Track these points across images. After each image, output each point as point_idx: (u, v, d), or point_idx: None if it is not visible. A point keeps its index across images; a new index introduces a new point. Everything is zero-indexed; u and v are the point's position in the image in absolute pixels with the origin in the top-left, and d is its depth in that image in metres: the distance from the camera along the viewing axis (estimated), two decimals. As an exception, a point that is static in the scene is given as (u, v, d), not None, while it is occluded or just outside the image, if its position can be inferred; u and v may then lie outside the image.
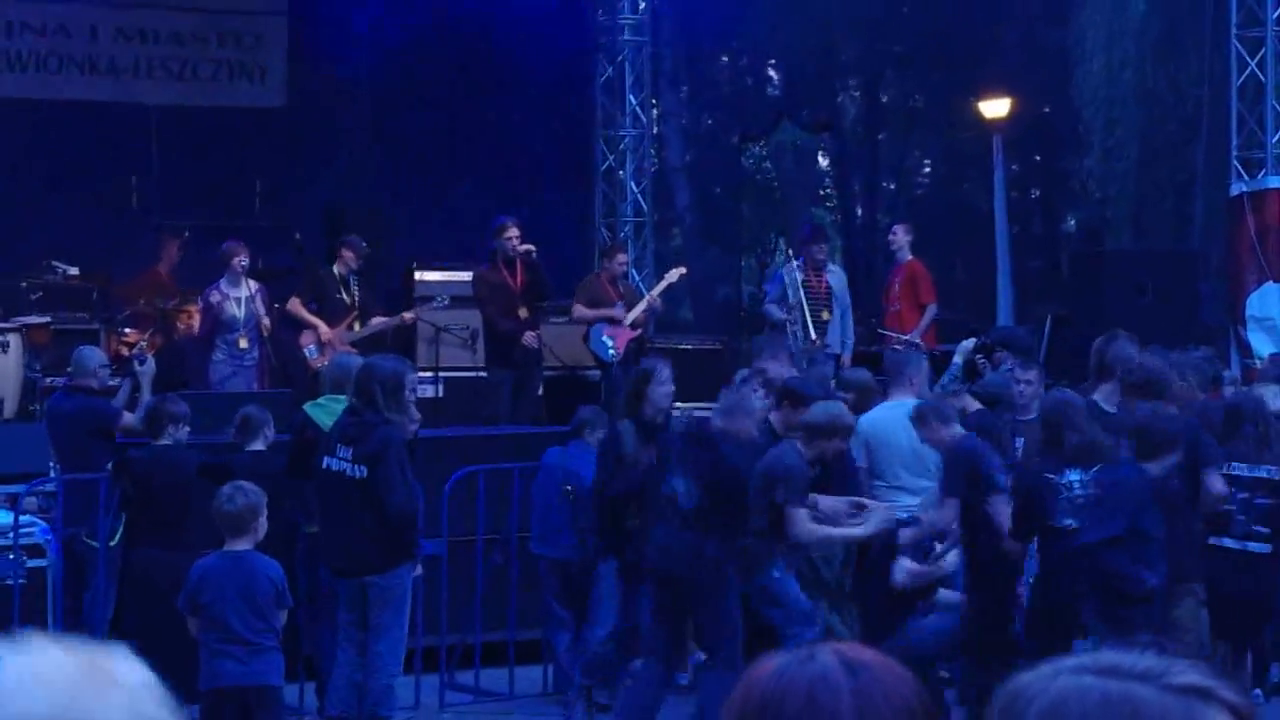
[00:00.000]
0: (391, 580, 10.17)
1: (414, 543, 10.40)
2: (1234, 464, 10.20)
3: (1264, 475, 10.21)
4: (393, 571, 10.16)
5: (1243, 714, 2.04)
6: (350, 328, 16.34)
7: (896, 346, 15.80)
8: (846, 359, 16.14)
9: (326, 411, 10.89)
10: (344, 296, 16.46)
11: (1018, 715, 2.05)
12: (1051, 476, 9.41)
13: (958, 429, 10.37)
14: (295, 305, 16.47)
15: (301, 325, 16.36)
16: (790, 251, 17.02)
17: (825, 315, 16.46)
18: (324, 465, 10.17)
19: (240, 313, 16.05)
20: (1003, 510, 9.72)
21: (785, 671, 2.23)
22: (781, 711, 2.20)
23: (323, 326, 16.26)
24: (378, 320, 16.54)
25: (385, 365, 10.57)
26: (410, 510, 10.35)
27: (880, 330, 17.03)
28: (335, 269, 16.55)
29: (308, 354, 16.18)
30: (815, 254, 16.78)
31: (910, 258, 17.37)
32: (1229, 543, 10.19)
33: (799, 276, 16.50)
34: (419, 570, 10.71)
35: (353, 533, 10.09)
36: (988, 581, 10.10)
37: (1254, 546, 10.21)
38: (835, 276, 16.93)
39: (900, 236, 17.59)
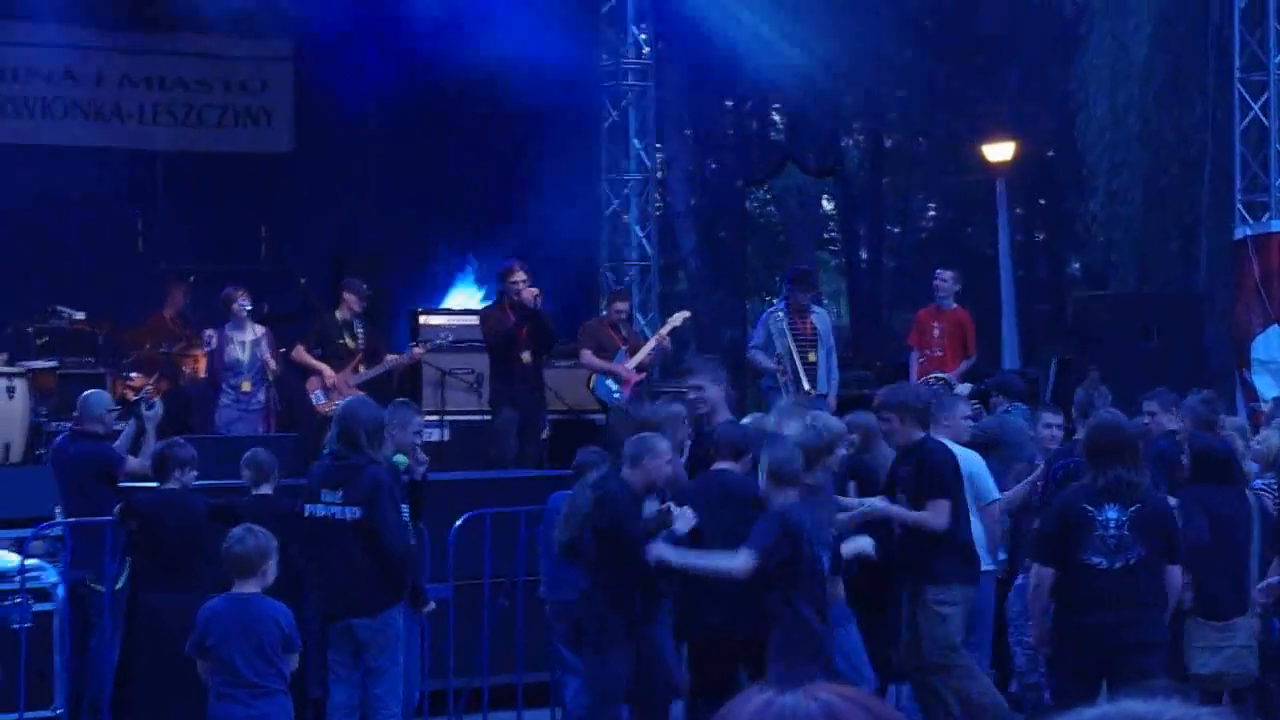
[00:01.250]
0: (384, 622, 10.19)
1: (406, 583, 10.40)
2: None
3: None
4: (385, 613, 10.18)
5: None
6: (355, 370, 16.36)
7: (932, 381, 15.83)
8: (832, 400, 16.00)
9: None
10: (347, 341, 16.51)
11: None
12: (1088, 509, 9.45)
13: None
14: (299, 352, 16.51)
15: (307, 371, 16.39)
16: (774, 298, 16.87)
17: (811, 357, 16.31)
18: (307, 512, 10.18)
19: (244, 356, 16.10)
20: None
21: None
22: None
23: (328, 371, 16.29)
24: (389, 358, 16.59)
25: (365, 408, 10.65)
26: (408, 549, 10.37)
27: (935, 377, 16.69)
28: (338, 314, 16.60)
29: (314, 399, 16.20)
30: (800, 298, 16.62)
31: (955, 305, 17.27)
32: None
33: (784, 322, 16.35)
34: (431, 605, 10.73)
35: (344, 576, 10.10)
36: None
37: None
38: (819, 317, 16.73)
39: (949, 283, 17.41)
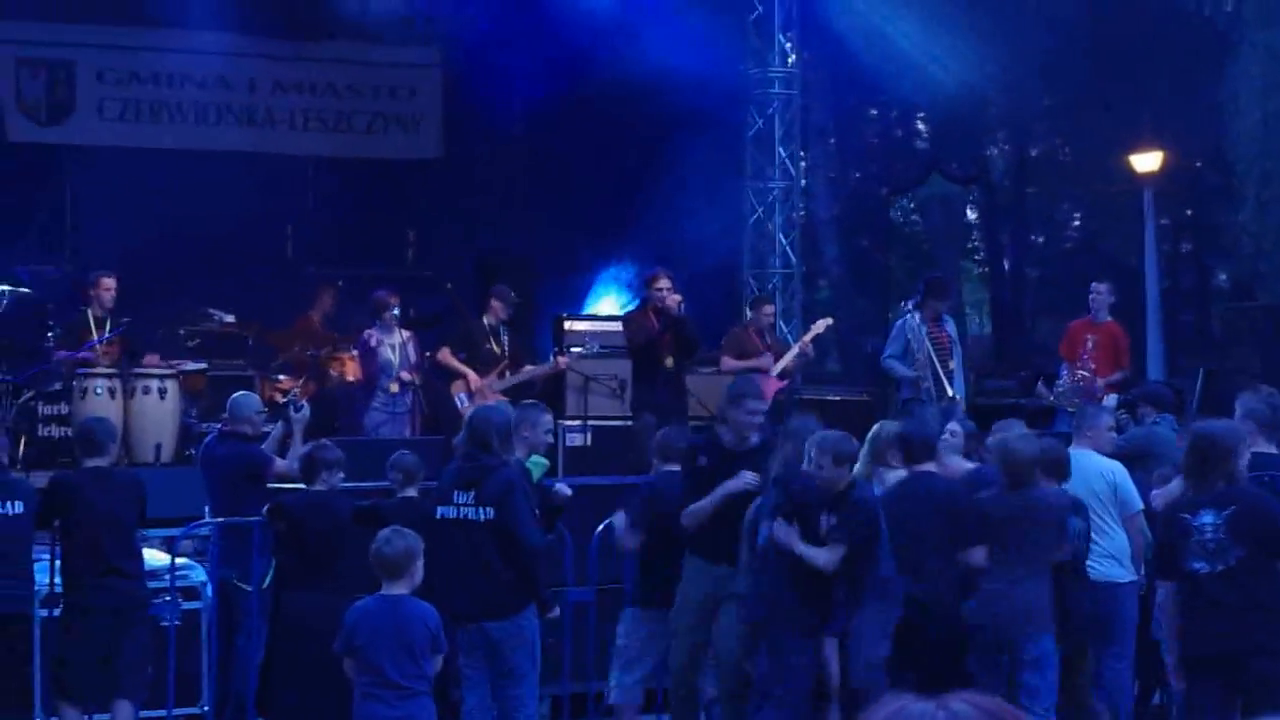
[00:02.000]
0: (522, 623, 10.18)
1: (540, 583, 10.38)
2: None
3: None
4: (522, 614, 10.18)
5: None
6: (500, 376, 16.42)
7: (1079, 380, 15.73)
8: (961, 407, 15.91)
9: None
10: (493, 346, 16.57)
11: None
12: (1185, 517, 9.30)
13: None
14: (445, 355, 16.60)
15: (452, 374, 16.46)
16: (909, 305, 16.76)
17: (950, 365, 16.27)
18: (439, 515, 10.21)
19: (395, 359, 16.21)
20: None
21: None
22: None
23: (472, 375, 16.36)
24: (528, 369, 16.63)
25: (495, 411, 10.72)
26: (543, 546, 10.38)
27: (1081, 374, 16.49)
28: (485, 319, 16.67)
29: (458, 402, 16.27)
30: (936, 306, 16.55)
31: (1109, 318, 17.06)
32: None
33: (923, 330, 16.28)
34: (556, 612, 10.71)
35: (477, 577, 10.09)
36: None
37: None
38: (951, 326, 16.70)
39: (1105, 295, 17.16)
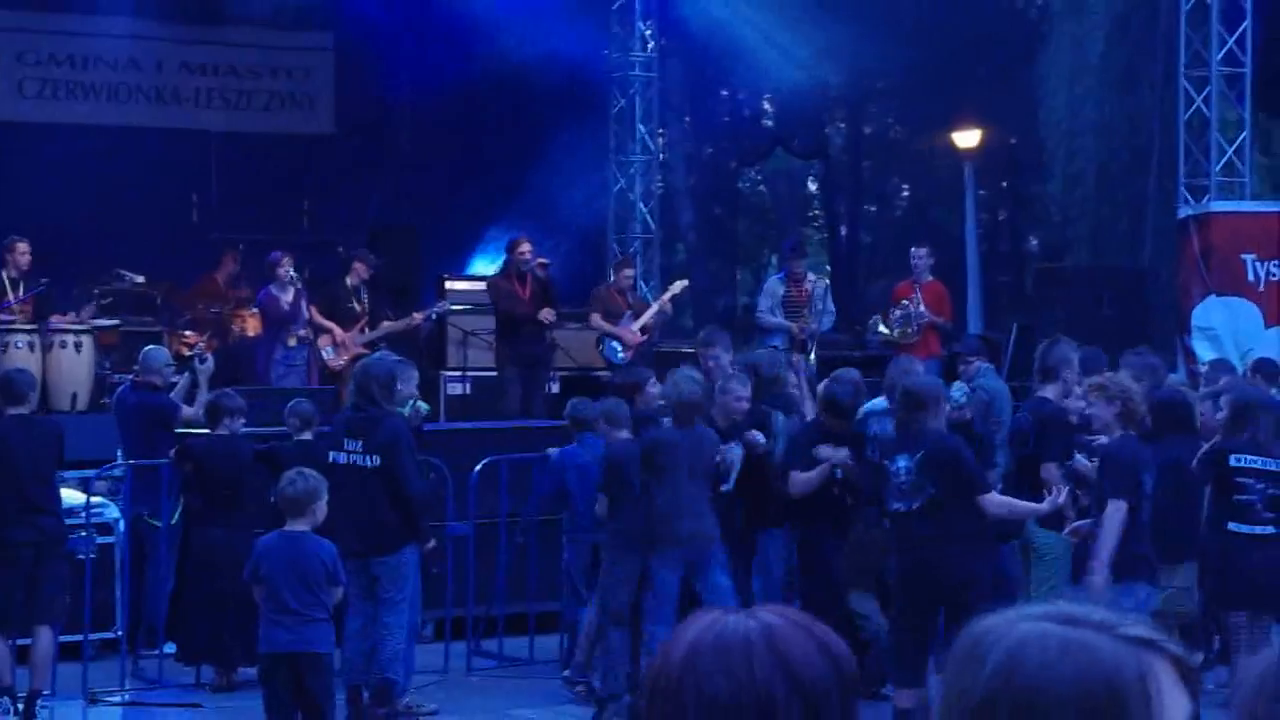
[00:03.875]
0: (400, 559, 10.17)
1: (422, 524, 10.38)
2: (1246, 456, 9.79)
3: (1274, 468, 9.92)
4: (400, 551, 10.16)
5: (1185, 666, 2.03)
6: (361, 331, 16.39)
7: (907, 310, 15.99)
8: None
9: None
10: (354, 305, 16.51)
11: (979, 660, 2.02)
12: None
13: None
14: (312, 312, 16.47)
15: (319, 329, 16.38)
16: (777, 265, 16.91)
17: (804, 318, 16.36)
18: (330, 459, 10.15)
19: (290, 314, 16.14)
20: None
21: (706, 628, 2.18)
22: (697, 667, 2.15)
23: (337, 330, 16.31)
24: (386, 324, 16.56)
25: (379, 364, 10.65)
26: (427, 494, 10.37)
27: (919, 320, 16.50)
28: (347, 280, 16.64)
29: (325, 355, 16.23)
30: (794, 267, 16.77)
31: (931, 278, 17.14)
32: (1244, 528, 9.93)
33: (780, 289, 16.49)
34: (432, 543, 10.64)
35: (365, 518, 10.04)
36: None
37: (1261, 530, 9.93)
38: (815, 284, 16.79)
39: (925, 259, 17.07)
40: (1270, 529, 9.79)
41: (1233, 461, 9.80)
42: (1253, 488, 9.75)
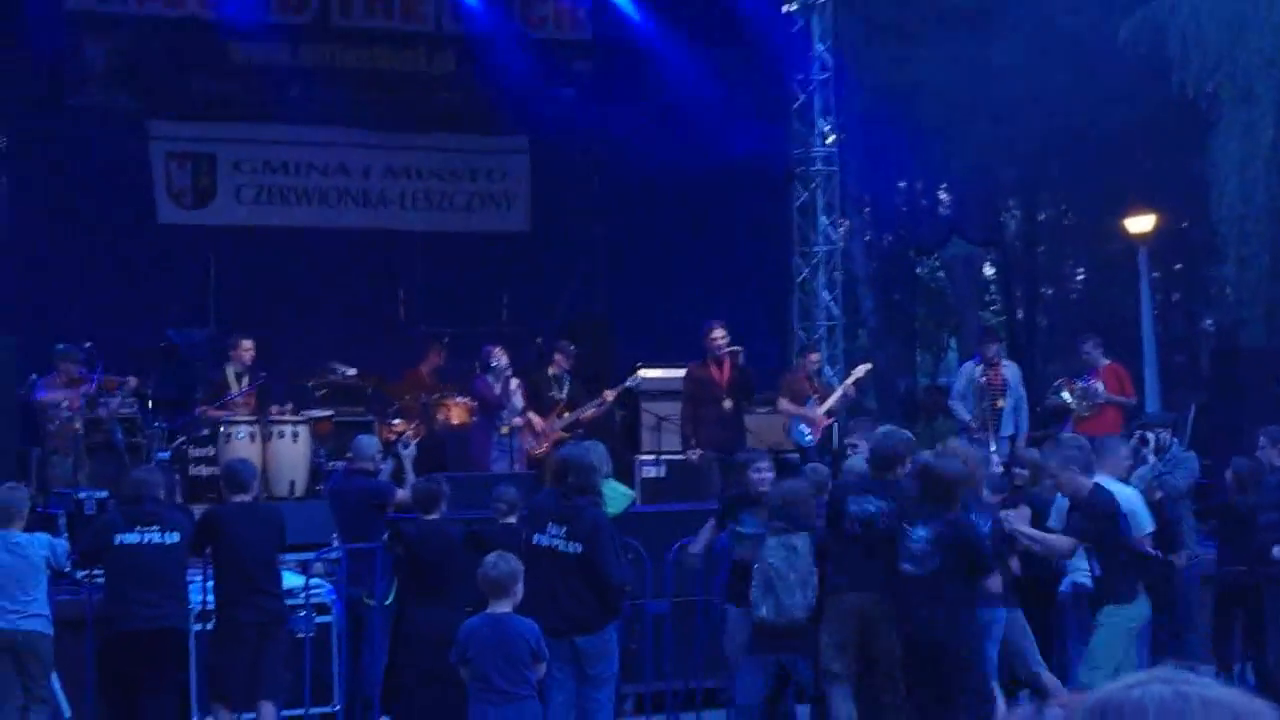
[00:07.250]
0: (605, 637, 10.22)
1: (621, 607, 10.46)
2: None
3: None
4: (605, 629, 10.21)
5: None
6: (559, 417, 16.52)
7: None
8: (1021, 441, 15.90)
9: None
10: (555, 394, 16.66)
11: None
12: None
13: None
14: (524, 399, 16.64)
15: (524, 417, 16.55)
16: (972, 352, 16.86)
17: (999, 403, 16.31)
18: (534, 541, 10.22)
19: (500, 402, 16.32)
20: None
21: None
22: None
23: (536, 419, 16.45)
24: (582, 411, 16.66)
25: (578, 454, 10.70)
26: (626, 582, 10.41)
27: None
28: (549, 370, 16.79)
29: (527, 443, 16.39)
30: (987, 352, 16.72)
31: (1108, 361, 16.97)
32: None
33: (976, 372, 16.46)
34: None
35: (566, 599, 10.09)
36: None
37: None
38: (1010, 370, 16.77)
39: (1093, 349, 16.94)
40: None
41: None
42: None
